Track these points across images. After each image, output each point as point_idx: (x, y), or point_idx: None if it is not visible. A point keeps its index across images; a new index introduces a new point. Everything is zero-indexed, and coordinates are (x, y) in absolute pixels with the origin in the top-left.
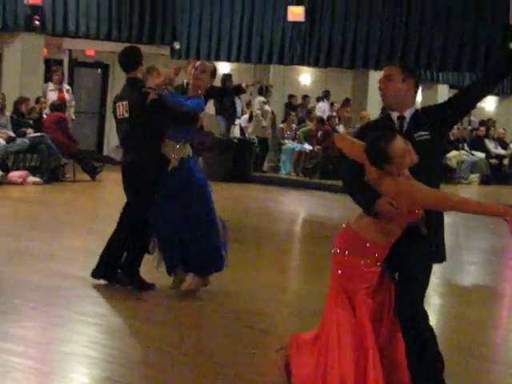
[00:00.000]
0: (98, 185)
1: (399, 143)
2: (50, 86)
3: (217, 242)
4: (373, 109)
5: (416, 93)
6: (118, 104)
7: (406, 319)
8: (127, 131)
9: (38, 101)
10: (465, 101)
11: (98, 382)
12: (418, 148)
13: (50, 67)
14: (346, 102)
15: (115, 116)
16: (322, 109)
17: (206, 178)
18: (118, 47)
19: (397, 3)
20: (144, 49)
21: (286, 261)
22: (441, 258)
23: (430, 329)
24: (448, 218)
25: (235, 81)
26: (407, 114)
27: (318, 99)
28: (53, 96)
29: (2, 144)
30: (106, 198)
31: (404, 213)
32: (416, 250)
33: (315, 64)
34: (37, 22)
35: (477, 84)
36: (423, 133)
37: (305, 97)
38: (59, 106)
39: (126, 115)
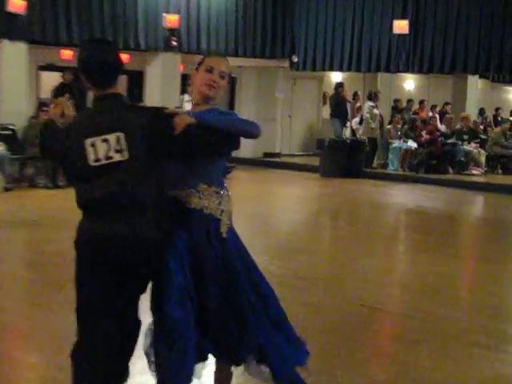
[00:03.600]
0: (230, 182)
1: None
2: (186, 97)
3: None
4: (471, 109)
5: None
6: (94, 140)
7: None
8: (126, 183)
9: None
10: None
11: None
12: None
13: (186, 81)
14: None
15: (84, 163)
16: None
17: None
18: (244, 62)
19: (494, 15)
20: (266, 62)
21: (393, 246)
22: None
23: None
24: None
25: (347, 88)
26: None
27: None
28: (188, 106)
29: None
30: (242, 194)
31: None
32: None
33: (419, 71)
34: (174, 43)
35: None
36: None
37: (409, 101)
38: None
39: (119, 157)
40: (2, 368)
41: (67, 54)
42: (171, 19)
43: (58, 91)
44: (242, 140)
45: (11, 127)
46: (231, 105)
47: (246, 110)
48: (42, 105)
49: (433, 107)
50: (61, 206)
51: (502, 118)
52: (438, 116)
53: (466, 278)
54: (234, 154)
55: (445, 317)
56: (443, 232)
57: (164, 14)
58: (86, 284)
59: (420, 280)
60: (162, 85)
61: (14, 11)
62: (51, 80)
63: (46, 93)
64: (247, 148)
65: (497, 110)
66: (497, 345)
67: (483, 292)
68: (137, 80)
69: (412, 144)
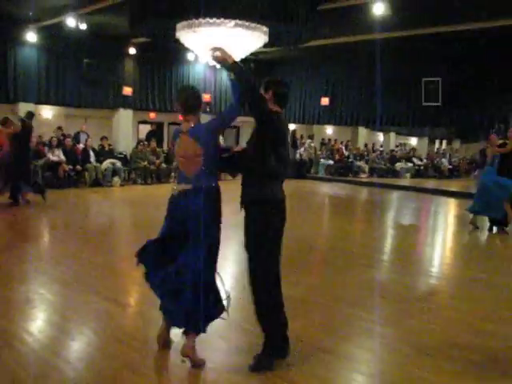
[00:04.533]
0: (236, 181)
1: None
2: None
3: None
4: (360, 144)
5: None
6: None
7: None
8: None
9: None
10: None
11: None
12: None
13: None
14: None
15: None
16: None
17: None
18: (244, 118)
19: (371, 93)
20: (253, 119)
21: (322, 213)
22: None
23: None
24: None
25: (298, 132)
26: None
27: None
28: None
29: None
30: (240, 187)
31: None
32: None
33: (334, 124)
34: (207, 109)
35: None
36: None
37: (329, 139)
38: None
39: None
40: (119, 282)
41: (152, 115)
42: (206, 97)
43: (148, 134)
44: None
45: (124, 153)
46: (237, 142)
47: (244, 144)
48: (139, 141)
49: (341, 142)
50: (149, 194)
51: (375, 148)
52: (344, 147)
53: (360, 230)
54: None
55: (346, 250)
56: (347, 206)
57: (203, 94)
58: (276, 228)
59: (336, 231)
60: None
61: (126, 94)
62: (144, 128)
63: (141, 135)
64: None
65: (373, 144)
66: (373, 264)
67: (368, 237)
68: None
69: (330, 161)
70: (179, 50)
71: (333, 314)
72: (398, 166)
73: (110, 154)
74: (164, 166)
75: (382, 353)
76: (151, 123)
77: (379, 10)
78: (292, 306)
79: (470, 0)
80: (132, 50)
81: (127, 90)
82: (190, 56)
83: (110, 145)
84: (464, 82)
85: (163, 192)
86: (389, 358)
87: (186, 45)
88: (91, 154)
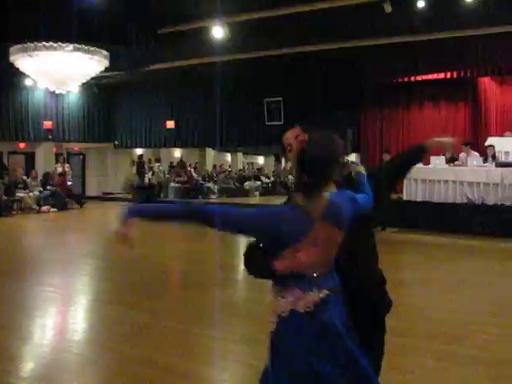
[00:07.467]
0: (84, 209)
1: None
2: (58, 165)
3: None
4: (209, 165)
5: None
6: None
7: None
8: None
9: (53, 173)
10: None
11: None
12: None
13: (57, 156)
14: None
15: None
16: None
17: None
18: (89, 145)
19: (218, 117)
20: (102, 145)
21: (168, 238)
22: None
23: None
24: None
25: (145, 156)
26: None
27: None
28: (59, 169)
29: (37, 194)
30: (89, 215)
31: None
32: None
33: (181, 146)
34: (50, 137)
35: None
36: None
37: (179, 162)
38: (62, 174)
39: None
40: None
41: None
42: (48, 123)
43: None
44: (89, 183)
45: None
46: (83, 169)
47: (91, 172)
48: None
49: (190, 165)
50: None
51: (226, 169)
52: (192, 169)
53: (210, 251)
54: (87, 192)
55: (199, 272)
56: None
57: (44, 121)
58: None
59: (187, 253)
60: (44, 159)
61: None
62: None
63: None
64: (92, 189)
65: (221, 165)
66: (226, 283)
67: (222, 257)
68: (31, 156)
69: (180, 185)
70: (15, 74)
71: (186, 337)
72: (247, 185)
73: None
74: (5, 197)
75: (237, 371)
76: None
77: (218, 33)
78: (143, 332)
79: (306, 25)
80: None
81: None
82: (27, 81)
83: None
84: (304, 100)
85: (5, 227)
86: (244, 376)
87: (22, 70)
88: None
